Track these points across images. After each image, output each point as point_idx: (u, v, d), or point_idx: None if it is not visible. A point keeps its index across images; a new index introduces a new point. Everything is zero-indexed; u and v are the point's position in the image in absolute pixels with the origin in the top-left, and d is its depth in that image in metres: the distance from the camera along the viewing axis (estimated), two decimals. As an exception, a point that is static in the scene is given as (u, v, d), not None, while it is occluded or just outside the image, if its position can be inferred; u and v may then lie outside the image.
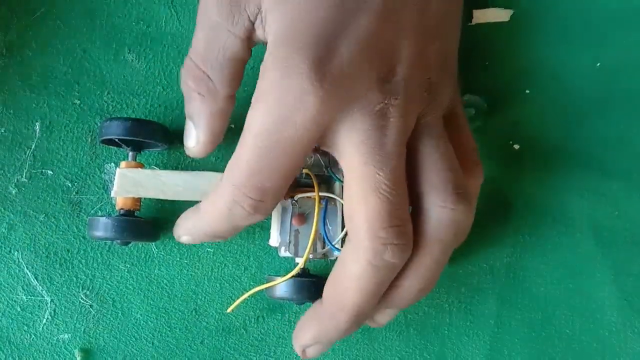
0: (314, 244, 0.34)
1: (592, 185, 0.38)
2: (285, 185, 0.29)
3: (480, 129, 0.37)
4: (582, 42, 0.38)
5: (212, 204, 0.30)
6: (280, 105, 0.27)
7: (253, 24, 0.30)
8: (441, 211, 0.30)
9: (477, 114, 0.37)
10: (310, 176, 0.33)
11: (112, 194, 0.34)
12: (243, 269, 0.37)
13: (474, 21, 0.38)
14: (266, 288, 0.34)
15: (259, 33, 0.30)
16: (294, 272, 0.32)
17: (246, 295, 0.34)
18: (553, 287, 0.38)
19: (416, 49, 0.29)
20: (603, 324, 0.38)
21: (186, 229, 0.33)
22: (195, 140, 0.32)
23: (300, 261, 0.32)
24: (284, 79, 0.27)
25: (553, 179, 0.38)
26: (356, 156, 0.28)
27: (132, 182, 0.33)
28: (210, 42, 0.30)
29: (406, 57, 0.29)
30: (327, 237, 0.33)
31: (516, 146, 0.38)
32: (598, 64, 0.39)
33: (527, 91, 0.38)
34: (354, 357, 0.37)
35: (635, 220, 0.38)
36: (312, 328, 0.32)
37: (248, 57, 0.31)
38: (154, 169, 0.35)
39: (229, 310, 0.35)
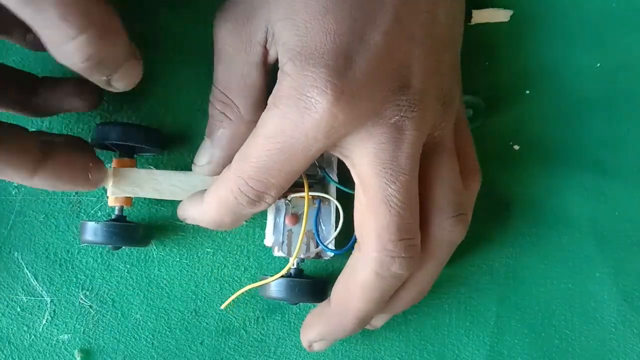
0: (307, 243, 0.34)
1: (592, 185, 0.38)
2: (288, 183, 0.30)
3: (480, 130, 0.37)
4: (582, 42, 0.38)
5: (217, 195, 0.31)
6: (294, 114, 0.28)
7: (265, 47, 0.31)
8: (441, 232, 0.31)
9: (475, 115, 0.37)
10: (302, 176, 0.33)
11: (108, 193, 0.34)
12: (243, 269, 0.37)
13: (474, 21, 0.38)
14: (260, 288, 0.34)
15: (272, 53, 0.31)
16: (283, 272, 0.33)
17: (239, 292, 0.34)
18: (553, 287, 0.38)
19: (429, 60, 0.30)
20: (603, 324, 0.38)
21: (192, 218, 0.33)
22: (208, 158, 0.33)
23: (290, 260, 0.33)
24: (300, 89, 0.27)
25: (553, 179, 0.38)
26: (368, 168, 0.29)
27: (127, 181, 0.33)
28: (230, 73, 0.32)
29: (420, 70, 0.29)
30: (318, 237, 0.34)
31: (516, 146, 0.38)
32: (598, 64, 0.39)
33: (527, 91, 0.38)
34: (354, 357, 0.37)
35: (635, 220, 0.38)
36: (319, 326, 0.33)
37: (268, 79, 0.32)
38: (150, 168, 0.35)
39: (222, 306, 0.35)
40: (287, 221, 0.35)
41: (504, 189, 0.38)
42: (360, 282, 0.30)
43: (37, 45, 0.32)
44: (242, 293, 0.35)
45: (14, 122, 0.30)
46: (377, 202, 0.29)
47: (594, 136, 0.38)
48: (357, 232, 0.30)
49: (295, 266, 0.34)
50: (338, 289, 0.32)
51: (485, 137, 0.37)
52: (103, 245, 0.35)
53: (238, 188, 0.30)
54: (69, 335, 0.35)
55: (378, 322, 0.35)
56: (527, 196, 0.38)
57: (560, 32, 0.38)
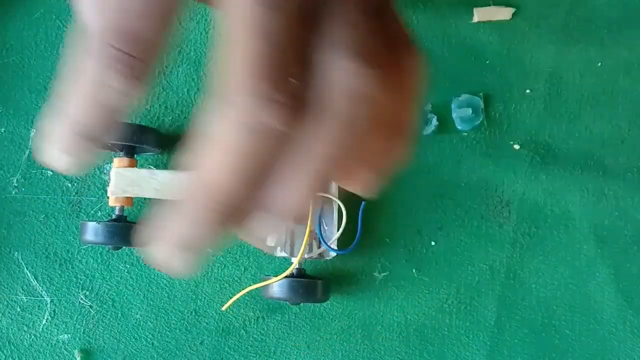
0: (309, 243, 0.34)
1: (592, 185, 0.38)
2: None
3: (479, 129, 0.37)
4: (582, 41, 0.38)
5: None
6: None
7: None
8: (338, 74, 0.20)
9: (474, 114, 0.37)
10: None
11: (109, 193, 0.34)
12: (243, 269, 0.37)
13: (475, 19, 0.38)
14: (262, 288, 0.34)
15: None
16: (287, 272, 0.33)
17: (241, 293, 0.34)
18: (553, 287, 0.38)
19: None
20: (603, 324, 0.38)
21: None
22: None
23: (294, 261, 0.33)
24: None
25: (553, 179, 0.38)
26: None
27: (128, 181, 0.34)
28: None
29: None
30: (322, 237, 0.34)
31: (516, 146, 0.38)
32: (599, 64, 0.38)
33: (527, 91, 0.38)
34: (354, 358, 0.37)
35: (635, 220, 0.38)
36: (173, 229, 0.20)
37: None
38: (151, 168, 0.35)
39: (224, 308, 0.35)
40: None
41: (504, 188, 0.38)
42: (222, 146, 0.19)
43: None
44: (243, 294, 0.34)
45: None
46: (251, 31, 0.20)
47: (594, 136, 0.38)
48: (222, 78, 0.21)
49: (297, 266, 0.34)
50: (194, 172, 0.19)
51: (485, 136, 0.37)
52: (103, 245, 0.35)
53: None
54: (69, 335, 0.35)
55: (261, 229, 0.19)
56: (527, 196, 0.38)
57: (561, 32, 0.38)
